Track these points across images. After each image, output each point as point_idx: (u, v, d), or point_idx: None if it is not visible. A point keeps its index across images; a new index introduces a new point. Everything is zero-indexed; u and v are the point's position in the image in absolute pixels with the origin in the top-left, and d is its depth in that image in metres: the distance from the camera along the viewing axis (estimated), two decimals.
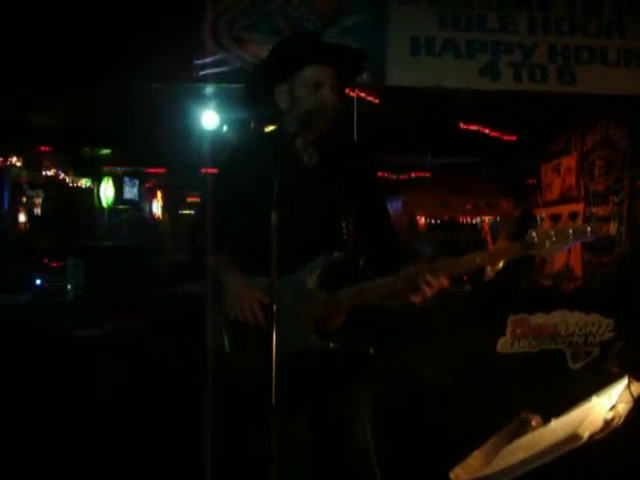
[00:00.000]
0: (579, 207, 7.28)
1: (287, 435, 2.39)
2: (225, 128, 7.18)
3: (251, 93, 2.74)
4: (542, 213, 7.91)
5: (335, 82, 2.50)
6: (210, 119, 6.74)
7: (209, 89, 5.57)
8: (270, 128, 6.92)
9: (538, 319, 4.21)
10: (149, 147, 8.39)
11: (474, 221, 9.84)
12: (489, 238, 7.55)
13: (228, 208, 2.56)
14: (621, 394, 2.06)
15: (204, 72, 4.29)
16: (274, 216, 2.09)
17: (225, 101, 6.31)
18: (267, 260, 2.48)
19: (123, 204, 10.62)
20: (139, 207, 11.19)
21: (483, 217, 9.41)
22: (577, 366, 4.28)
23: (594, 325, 4.24)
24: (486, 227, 9.45)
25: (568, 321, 4.23)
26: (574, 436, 1.86)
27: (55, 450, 3.55)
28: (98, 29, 4.57)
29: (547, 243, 2.17)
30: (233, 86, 4.74)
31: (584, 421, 1.94)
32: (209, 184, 2.69)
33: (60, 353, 3.94)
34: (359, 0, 4.32)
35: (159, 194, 12.07)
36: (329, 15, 4.22)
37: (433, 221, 9.92)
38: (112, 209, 10.34)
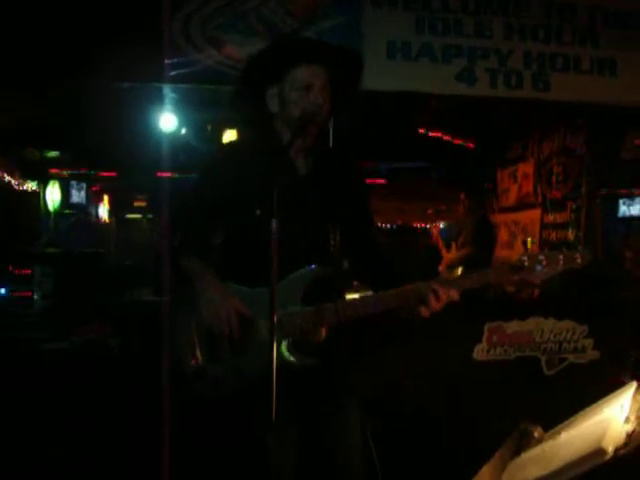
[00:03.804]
0: (536, 213, 7.36)
1: (269, 451, 2.33)
2: (183, 131, 7.01)
3: (241, 96, 2.65)
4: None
5: (326, 84, 2.44)
6: (168, 121, 6.54)
7: (168, 90, 5.38)
8: (230, 131, 6.82)
9: (514, 326, 4.22)
10: (99, 149, 8.14)
11: (428, 226, 9.87)
12: (440, 244, 7.40)
13: (207, 210, 2.47)
14: (632, 404, 2.01)
15: (175, 72, 4.14)
16: (274, 224, 2.01)
17: (184, 103, 6.14)
18: (247, 267, 2.42)
19: (69, 208, 10.28)
20: (86, 211, 10.86)
21: (437, 222, 9.44)
22: (551, 372, 4.30)
23: (568, 331, 4.27)
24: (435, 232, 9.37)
25: (543, 328, 4.25)
26: (599, 451, 1.79)
27: (23, 469, 3.39)
28: (56, 26, 4.36)
29: (537, 267, 2.19)
30: (194, 87, 4.60)
31: (605, 434, 1.88)
32: (193, 184, 2.56)
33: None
34: (335, 3, 4.25)
35: (105, 198, 11.78)
36: (305, 17, 4.15)
37: (388, 226, 9.93)
38: (58, 213, 10.01)
